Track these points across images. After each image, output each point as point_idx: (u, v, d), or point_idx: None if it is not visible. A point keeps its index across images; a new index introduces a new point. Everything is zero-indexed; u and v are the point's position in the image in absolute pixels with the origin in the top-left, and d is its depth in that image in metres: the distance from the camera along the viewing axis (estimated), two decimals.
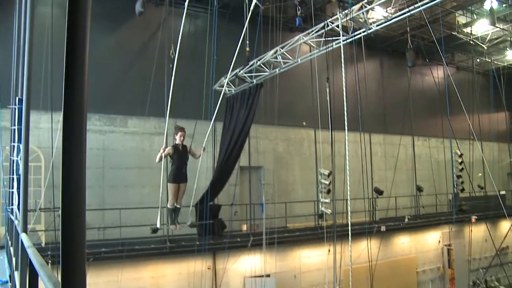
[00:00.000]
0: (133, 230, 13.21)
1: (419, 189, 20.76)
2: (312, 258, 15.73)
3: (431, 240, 21.06)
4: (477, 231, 22.32)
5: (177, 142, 8.65)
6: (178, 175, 8.71)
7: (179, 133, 8.65)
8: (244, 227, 15.65)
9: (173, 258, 13.43)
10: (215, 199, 14.55)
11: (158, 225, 9.03)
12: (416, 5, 9.93)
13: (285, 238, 14.90)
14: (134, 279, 12.76)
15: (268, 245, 13.60)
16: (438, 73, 21.70)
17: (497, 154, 26.34)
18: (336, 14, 10.98)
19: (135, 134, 14.69)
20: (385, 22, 10.56)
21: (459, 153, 21.30)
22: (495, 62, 24.31)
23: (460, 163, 21.57)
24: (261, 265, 14.34)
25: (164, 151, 8.38)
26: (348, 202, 9.02)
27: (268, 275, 14.45)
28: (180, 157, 8.59)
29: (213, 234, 14.06)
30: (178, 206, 9.04)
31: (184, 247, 13.42)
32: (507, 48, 21.80)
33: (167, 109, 14.00)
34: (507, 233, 19.97)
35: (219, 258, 14.39)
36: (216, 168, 14.82)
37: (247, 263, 14.81)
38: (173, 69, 13.27)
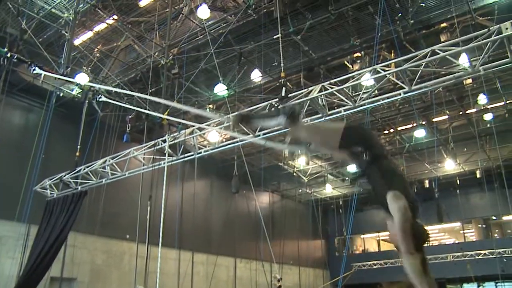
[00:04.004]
0: None
1: None
2: None
3: None
4: None
5: None
6: None
7: None
8: None
9: None
10: None
11: None
12: (246, 137, 10.85)
13: None
14: None
15: None
16: (263, 199, 23.28)
17: (313, 279, 28.09)
18: (174, 132, 11.46)
19: None
20: (213, 149, 11.26)
21: (278, 276, 22.21)
22: (315, 194, 27.00)
23: (279, 287, 22.40)
24: None
25: None
26: None
27: None
28: None
29: None
30: None
31: None
32: (324, 183, 24.53)
33: None
34: None
35: None
36: (21, 276, 13.30)
37: None
38: None
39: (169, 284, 16.18)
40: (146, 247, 10.81)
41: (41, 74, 6.85)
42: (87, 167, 12.84)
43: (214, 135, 12.31)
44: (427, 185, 24.85)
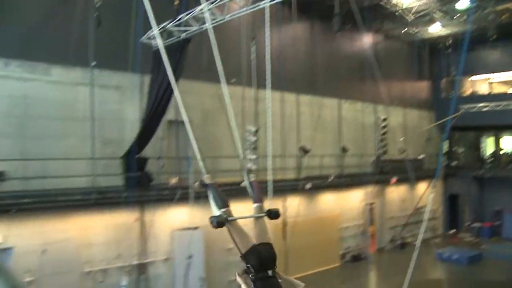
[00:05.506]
0: (57, 181, 12.83)
1: (344, 149, 21.64)
2: (240, 212, 16.11)
3: (354, 199, 22.13)
4: (397, 192, 23.86)
5: None
6: None
7: None
8: (172, 181, 15.69)
9: (99, 209, 13.25)
10: (142, 151, 14.48)
11: None
12: None
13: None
14: (60, 231, 12.48)
15: (196, 199, 13.62)
16: (366, 40, 22.42)
17: (417, 120, 27.75)
18: None
19: (59, 84, 14.07)
20: None
21: (383, 117, 22.31)
22: (420, 33, 25.25)
23: (384, 127, 22.66)
24: (188, 218, 14.50)
25: None
26: (269, 160, 9.24)
27: (195, 228, 14.65)
28: None
29: (140, 187, 14.05)
30: None
31: (110, 199, 13.31)
32: (431, 22, 22.76)
33: (91, 59, 13.66)
34: (422, 194, 21.49)
35: (147, 210, 14.37)
36: (143, 121, 14.71)
37: (175, 216, 15.03)
38: (98, 18, 12.98)
39: (277, 125, 17.08)
40: (256, 89, 11.06)
41: None
42: (188, 14, 12.98)
43: None
44: None
